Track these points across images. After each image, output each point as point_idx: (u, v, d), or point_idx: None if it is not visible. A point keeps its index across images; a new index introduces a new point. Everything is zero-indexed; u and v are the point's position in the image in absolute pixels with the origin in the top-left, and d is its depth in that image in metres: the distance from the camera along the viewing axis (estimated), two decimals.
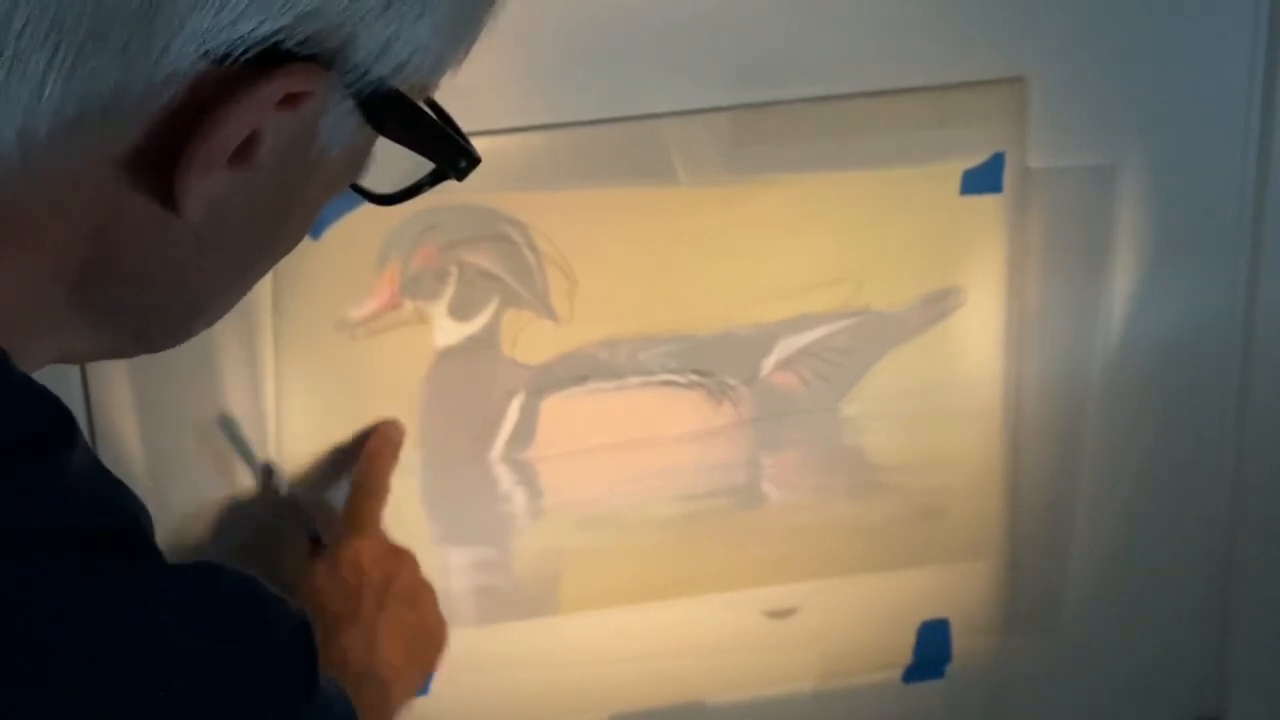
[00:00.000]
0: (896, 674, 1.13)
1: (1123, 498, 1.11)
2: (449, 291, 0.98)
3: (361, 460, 0.98)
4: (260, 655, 0.55)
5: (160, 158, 0.52)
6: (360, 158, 0.60)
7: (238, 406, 0.97)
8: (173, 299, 0.59)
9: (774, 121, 0.98)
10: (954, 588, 1.11)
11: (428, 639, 0.95)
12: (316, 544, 0.98)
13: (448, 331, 0.99)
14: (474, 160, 0.61)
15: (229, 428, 0.97)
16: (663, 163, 0.97)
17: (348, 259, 0.95)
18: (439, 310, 0.98)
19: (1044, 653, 1.14)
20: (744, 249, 1.01)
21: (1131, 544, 1.13)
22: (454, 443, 1.01)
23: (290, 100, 0.52)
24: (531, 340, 1.00)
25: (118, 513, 0.55)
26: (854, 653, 1.11)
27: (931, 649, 1.12)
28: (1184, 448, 1.11)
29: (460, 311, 0.99)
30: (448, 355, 0.99)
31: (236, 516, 0.99)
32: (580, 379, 1.01)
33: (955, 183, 1.02)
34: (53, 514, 0.52)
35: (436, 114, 0.64)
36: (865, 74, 0.98)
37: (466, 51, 0.58)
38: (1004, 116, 1.01)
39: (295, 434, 0.99)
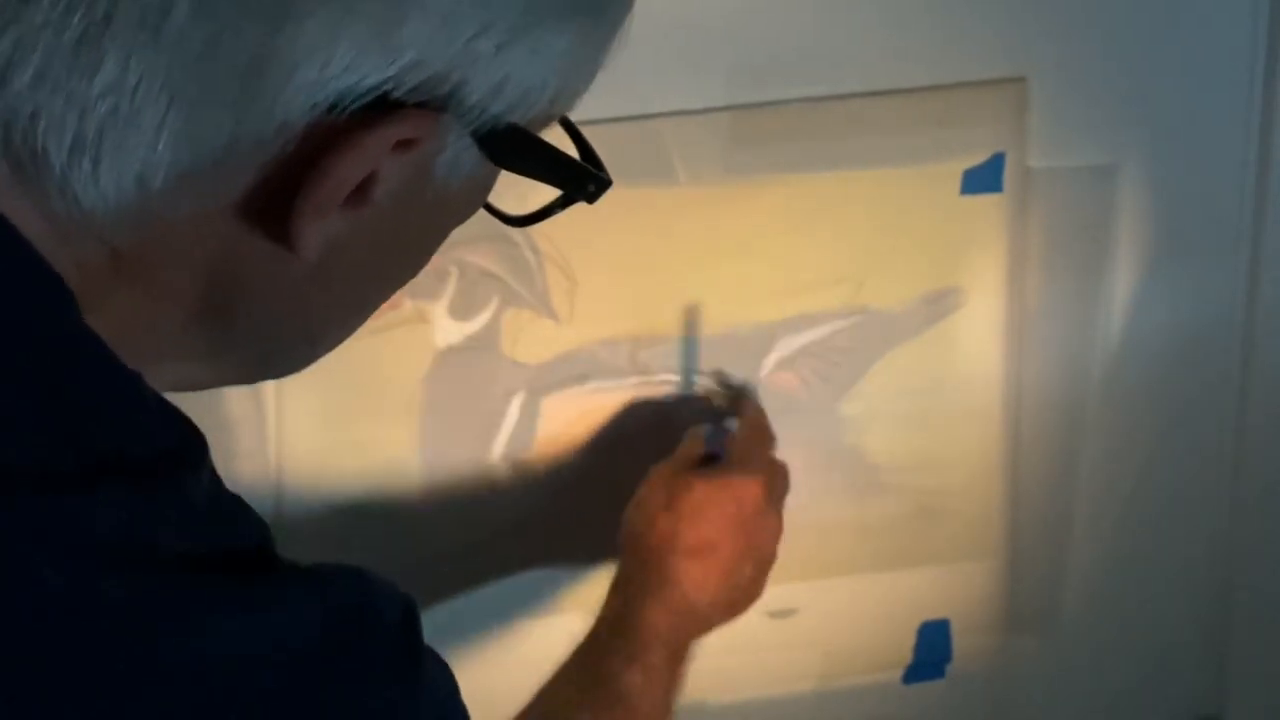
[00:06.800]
0: (896, 674, 1.13)
1: (1123, 498, 1.11)
2: (449, 291, 0.98)
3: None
4: (367, 653, 0.55)
5: (276, 202, 0.53)
6: (483, 188, 0.61)
7: (238, 406, 0.97)
8: (291, 332, 0.60)
9: (774, 121, 0.98)
10: (954, 588, 1.11)
11: (745, 596, 0.97)
12: (710, 460, 0.97)
13: (448, 331, 0.99)
14: (604, 184, 0.62)
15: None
16: (662, 162, 0.97)
17: None
18: (439, 310, 0.98)
19: (1044, 653, 1.14)
20: (744, 249, 1.01)
21: (1131, 544, 1.13)
22: (454, 442, 1.01)
23: (404, 145, 0.53)
24: (531, 340, 1.00)
25: (243, 532, 0.55)
26: (854, 653, 1.11)
27: (931, 649, 1.12)
28: (1184, 448, 1.11)
29: (460, 311, 0.99)
30: (448, 355, 0.99)
31: None
32: (580, 379, 1.01)
33: (955, 183, 1.02)
34: (181, 534, 0.52)
35: (571, 133, 0.64)
36: (865, 74, 0.98)
37: (588, 83, 0.58)
38: (1004, 116, 1.01)
39: (295, 434, 0.99)
